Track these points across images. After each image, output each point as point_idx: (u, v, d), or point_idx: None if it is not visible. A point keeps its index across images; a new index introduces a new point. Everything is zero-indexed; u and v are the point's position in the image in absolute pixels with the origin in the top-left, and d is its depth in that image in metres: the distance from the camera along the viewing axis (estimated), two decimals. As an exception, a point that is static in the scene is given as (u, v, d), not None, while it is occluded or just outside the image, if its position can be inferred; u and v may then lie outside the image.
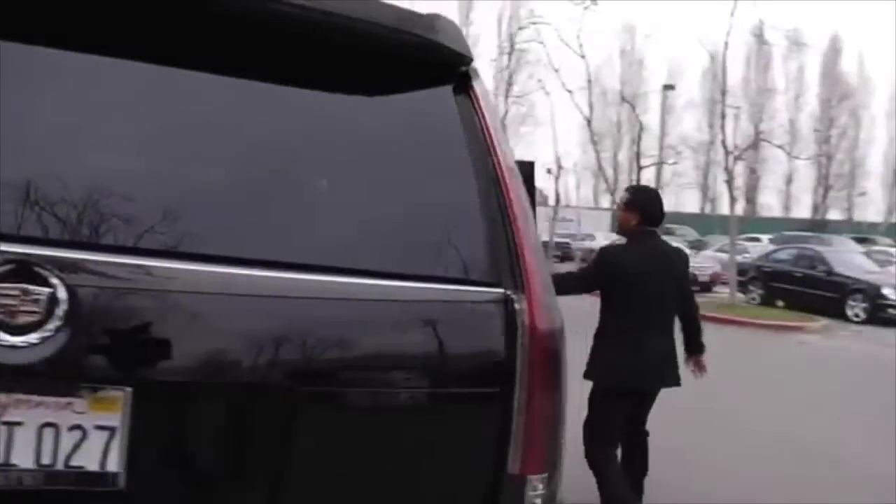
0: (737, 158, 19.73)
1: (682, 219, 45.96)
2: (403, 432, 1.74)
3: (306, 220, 1.75)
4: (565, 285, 4.88)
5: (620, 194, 5.13)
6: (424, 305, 1.78)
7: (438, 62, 1.96)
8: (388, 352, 1.75)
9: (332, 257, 1.71)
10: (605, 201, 24.94)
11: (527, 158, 5.09)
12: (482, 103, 1.98)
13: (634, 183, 24.13)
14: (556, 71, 22.93)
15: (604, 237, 30.44)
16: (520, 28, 28.96)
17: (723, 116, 19.47)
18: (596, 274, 4.75)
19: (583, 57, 22.28)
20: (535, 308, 1.81)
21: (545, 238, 31.12)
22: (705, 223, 43.30)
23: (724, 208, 20.56)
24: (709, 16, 21.69)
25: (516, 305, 1.80)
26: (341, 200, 1.81)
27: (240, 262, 1.62)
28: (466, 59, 2.01)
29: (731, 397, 8.47)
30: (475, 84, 2.02)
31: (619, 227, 4.91)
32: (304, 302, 1.66)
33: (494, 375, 1.79)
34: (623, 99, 27.62)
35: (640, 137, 25.17)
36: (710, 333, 13.33)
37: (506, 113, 51.25)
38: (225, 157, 1.77)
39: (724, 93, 19.60)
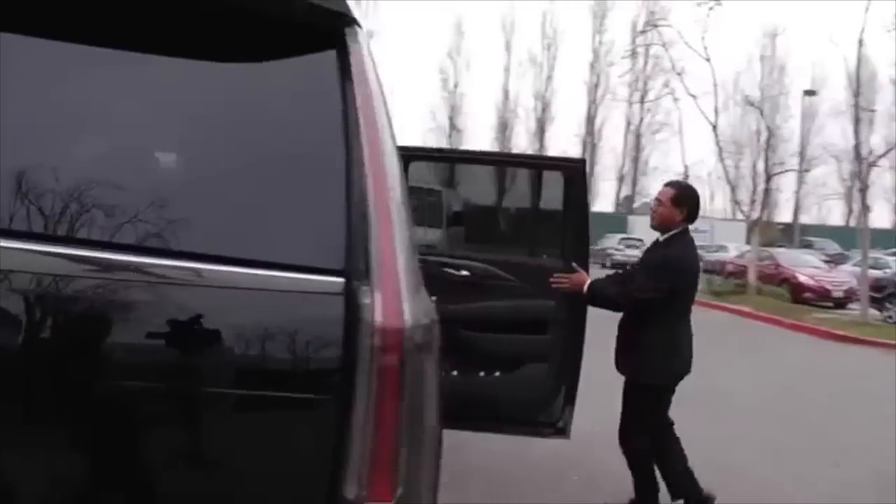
0: (871, 165, 18.40)
1: (825, 231, 43.61)
2: (208, 439, 1.54)
3: (123, 194, 1.57)
4: (639, 298, 4.59)
5: (661, 191, 4.76)
6: (243, 293, 1.56)
7: (304, 22, 1.74)
8: (191, 343, 1.54)
9: (141, 236, 1.54)
10: (746, 211, 23.52)
11: (578, 158, 4.86)
12: (356, 71, 1.74)
13: (762, 191, 23.01)
14: (679, 75, 22.05)
15: (736, 248, 29.20)
16: (640, 31, 28.04)
17: (856, 121, 18.23)
18: (667, 279, 4.51)
19: (707, 60, 21.34)
20: (387, 303, 1.57)
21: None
22: (850, 236, 40.80)
23: (871, 220, 19.16)
24: (850, 15, 20.34)
25: (362, 299, 1.56)
26: (169, 175, 1.64)
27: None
28: (345, 20, 1.78)
29: (841, 428, 7.75)
30: (353, 49, 1.76)
31: (661, 224, 4.64)
32: (83, 281, 1.49)
33: (324, 379, 1.57)
34: (750, 103, 26.28)
35: (768, 144, 23.86)
36: (830, 353, 12.37)
37: (641, 121, 50.21)
38: (53, 127, 1.62)
39: (857, 95, 18.35)
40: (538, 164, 5.16)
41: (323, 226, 1.63)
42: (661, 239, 4.68)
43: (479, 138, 52.83)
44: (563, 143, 54.99)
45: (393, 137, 1.78)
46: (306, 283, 1.58)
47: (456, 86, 53.79)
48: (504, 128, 54.68)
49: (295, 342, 1.57)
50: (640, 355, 4.55)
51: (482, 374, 4.93)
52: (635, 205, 51.54)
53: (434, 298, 4.70)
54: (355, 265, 1.58)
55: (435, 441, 1.68)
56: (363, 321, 1.54)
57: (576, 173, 4.73)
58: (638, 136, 51.08)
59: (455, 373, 4.91)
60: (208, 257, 1.53)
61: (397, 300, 1.58)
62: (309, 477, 1.56)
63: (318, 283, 1.58)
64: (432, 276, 4.78)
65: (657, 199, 4.68)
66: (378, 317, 1.55)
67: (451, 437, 4.97)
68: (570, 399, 4.85)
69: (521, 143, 53.89)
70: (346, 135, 1.67)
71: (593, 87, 51.74)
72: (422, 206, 10.60)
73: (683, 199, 4.60)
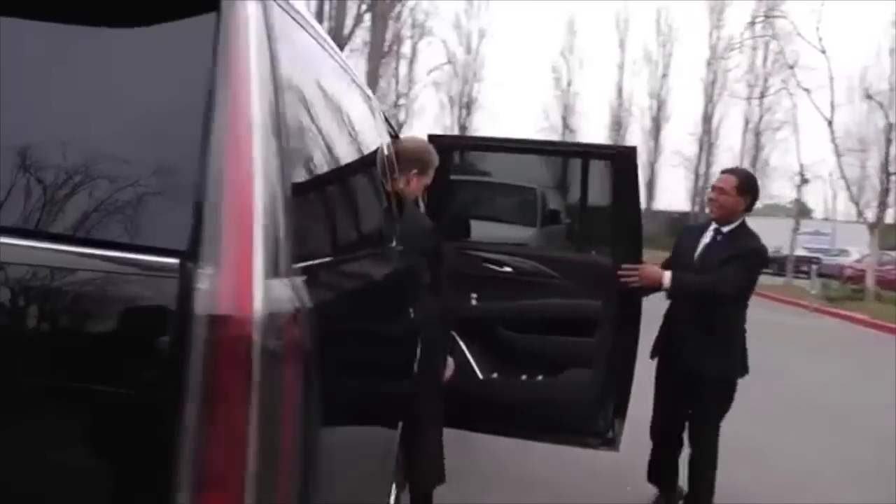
0: None
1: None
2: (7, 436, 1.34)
3: None
4: (742, 290, 4.32)
5: (723, 179, 4.35)
6: (60, 272, 1.38)
7: None
8: None
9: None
10: (865, 213, 22.02)
11: (628, 146, 4.48)
12: (231, 39, 1.48)
13: (884, 189, 21.63)
14: (791, 68, 20.95)
15: (857, 252, 27.70)
16: (751, 23, 26.79)
17: None
18: (758, 270, 4.38)
19: (823, 52, 20.16)
20: (230, 288, 1.32)
21: (785, 252, 28.58)
22: None
23: None
24: None
25: (198, 283, 1.31)
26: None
27: None
28: None
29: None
30: (229, 13, 1.50)
31: (724, 215, 4.29)
32: None
33: (149, 375, 1.35)
34: (869, 97, 24.70)
35: (889, 140, 22.32)
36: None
37: (760, 119, 48.23)
38: None
39: None
40: (586, 153, 4.77)
41: (168, 204, 1.43)
42: (724, 230, 4.30)
43: (593, 138, 51.85)
44: (679, 142, 53.45)
45: (278, 115, 1.53)
46: (133, 262, 1.37)
47: (569, 84, 53.04)
48: (618, 127, 53.61)
49: (118, 329, 1.37)
50: (724, 350, 4.26)
51: (524, 377, 4.63)
52: (757, 205, 49.26)
53: (474, 296, 4.52)
54: (199, 246, 1.34)
55: (303, 453, 1.42)
56: (196, 308, 1.31)
57: (626, 162, 4.34)
58: (757, 135, 48.94)
59: (495, 375, 4.65)
60: (21, 231, 1.33)
61: (245, 286, 1.33)
62: (132, 487, 1.36)
63: (147, 263, 1.37)
64: (474, 273, 4.65)
65: (718, 188, 4.30)
66: (216, 304, 1.31)
67: (514, 444, 4.75)
68: (622, 408, 4.50)
69: (636, 143, 52.70)
70: (205, 109, 1.43)
71: (710, 85, 49.92)
72: (515, 204, 10.38)
73: (747, 186, 4.30)
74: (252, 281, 1.33)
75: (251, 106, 1.44)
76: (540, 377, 4.60)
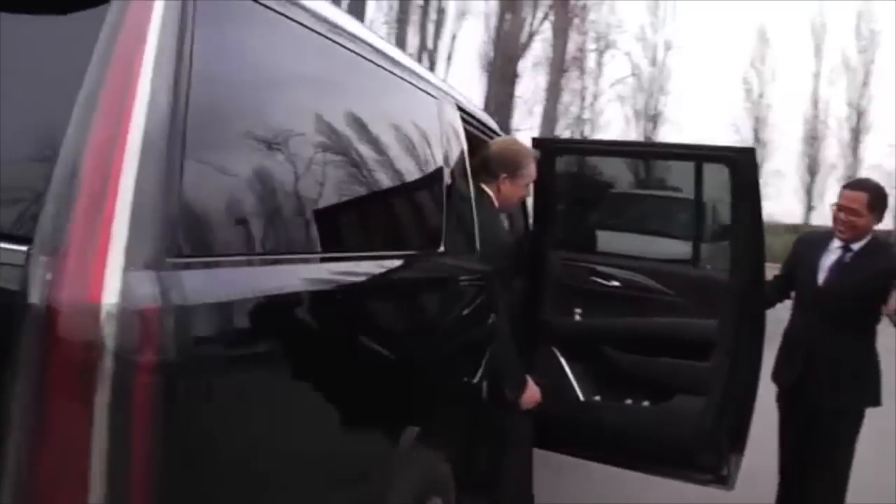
0: None
1: None
2: None
3: None
4: None
5: (850, 197, 3.79)
6: None
7: None
8: None
9: None
10: None
11: (746, 147, 4.04)
12: (121, 19, 1.34)
13: None
14: None
15: None
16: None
17: None
18: None
19: None
20: (75, 279, 1.19)
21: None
22: None
23: None
24: None
25: (37, 272, 1.18)
26: None
27: None
28: None
29: None
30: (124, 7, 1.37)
31: (856, 235, 3.79)
32: None
33: None
34: None
35: None
36: None
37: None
38: None
39: None
40: (698, 155, 4.34)
41: (30, 189, 1.31)
42: (853, 247, 3.82)
43: (786, 150, 49.20)
44: (880, 154, 49.64)
45: (179, 99, 1.37)
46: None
47: (760, 96, 50.53)
48: (813, 139, 50.62)
49: None
50: (871, 377, 3.89)
51: (629, 401, 4.28)
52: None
53: (579, 311, 4.24)
54: (48, 233, 1.21)
55: (169, 467, 1.26)
56: (32, 301, 1.18)
57: (744, 164, 3.89)
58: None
59: (598, 398, 4.32)
60: None
61: (94, 276, 1.19)
62: None
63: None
64: (579, 287, 4.36)
65: (847, 208, 3.77)
66: (54, 295, 1.18)
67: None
68: (739, 441, 4.04)
69: (831, 156, 49.59)
70: (82, 93, 1.31)
71: (918, 91, 46.17)
72: (679, 218, 9.86)
73: (878, 201, 3.79)
74: (104, 271, 1.18)
75: (132, 87, 1.29)
76: (646, 402, 4.24)
